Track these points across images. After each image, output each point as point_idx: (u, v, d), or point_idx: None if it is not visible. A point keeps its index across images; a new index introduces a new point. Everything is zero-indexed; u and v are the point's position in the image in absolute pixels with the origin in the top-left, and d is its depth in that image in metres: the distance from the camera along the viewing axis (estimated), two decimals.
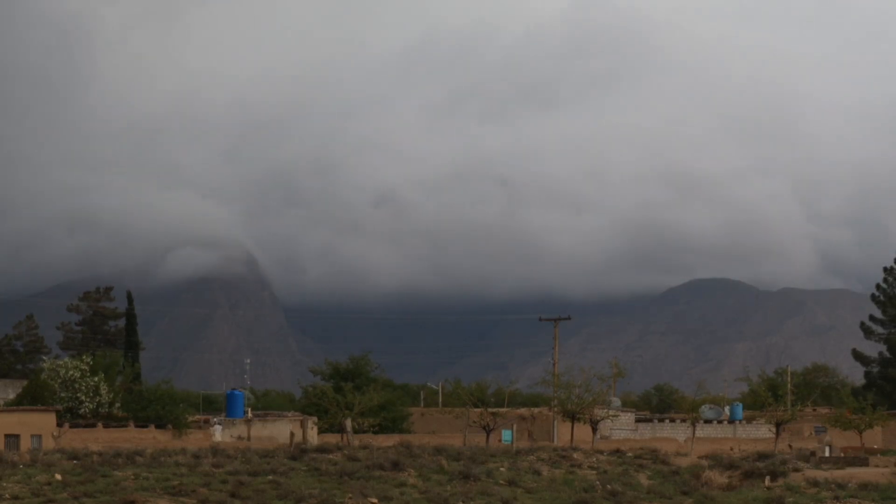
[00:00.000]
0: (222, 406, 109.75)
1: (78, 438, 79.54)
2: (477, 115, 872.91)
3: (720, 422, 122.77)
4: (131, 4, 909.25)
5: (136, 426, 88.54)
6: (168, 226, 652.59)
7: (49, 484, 54.47)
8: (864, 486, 62.67)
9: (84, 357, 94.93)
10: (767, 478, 65.25)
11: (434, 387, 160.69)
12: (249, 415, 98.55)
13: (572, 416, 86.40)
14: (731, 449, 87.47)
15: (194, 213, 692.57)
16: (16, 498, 52.03)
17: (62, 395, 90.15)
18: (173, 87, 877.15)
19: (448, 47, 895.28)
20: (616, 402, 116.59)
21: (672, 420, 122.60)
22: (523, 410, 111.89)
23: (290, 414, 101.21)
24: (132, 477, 56.70)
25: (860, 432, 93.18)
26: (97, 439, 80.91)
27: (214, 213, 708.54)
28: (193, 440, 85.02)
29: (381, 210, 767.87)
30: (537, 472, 64.53)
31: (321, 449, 68.62)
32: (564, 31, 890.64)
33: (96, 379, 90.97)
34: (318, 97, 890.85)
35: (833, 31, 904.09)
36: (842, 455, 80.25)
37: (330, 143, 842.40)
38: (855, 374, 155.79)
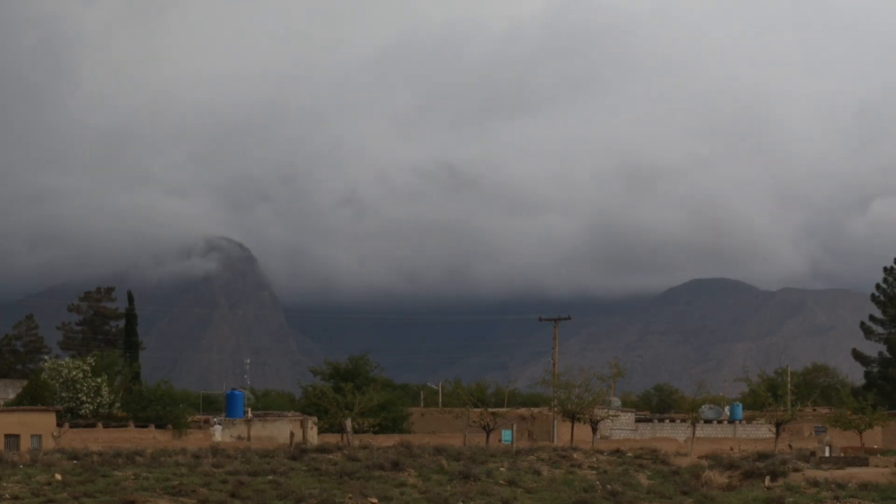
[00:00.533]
0: (222, 406, 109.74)
1: (78, 438, 79.53)
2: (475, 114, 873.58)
3: (720, 422, 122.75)
4: (107, 6, 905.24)
5: (136, 426, 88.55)
6: (168, 227, 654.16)
7: (49, 484, 54.47)
8: (864, 486, 62.66)
9: (87, 358, 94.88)
10: (767, 478, 65.25)
11: (434, 387, 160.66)
12: (249, 415, 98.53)
13: (572, 416, 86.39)
14: (731, 449, 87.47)
15: (193, 214, 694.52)
16: (16, 498, 52.03)
17: (63, 395, 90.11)
18: (159, 90, 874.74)
19: (424, 48, 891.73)
20: (616, 402, 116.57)
21: (672, 420, 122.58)
22: (523, 410, 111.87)
23: (290, 414, 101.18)
24: (132, 477, 56.70)
25: (860, 432, 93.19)
26: (97, 439, 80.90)
27: (213, 213, 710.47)
28: (193, 440, 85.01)
29: (378, 212, 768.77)
30: (537, 472, 64.53)
31: (321, 449, 68.62)
32: (542, 32, 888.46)
33: (98, 380, 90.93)
34: (310, 95, 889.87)
35: (815, 31, 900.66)
36: (842, 455, 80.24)
37: (318, 143, 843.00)
38: (855, 374, 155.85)
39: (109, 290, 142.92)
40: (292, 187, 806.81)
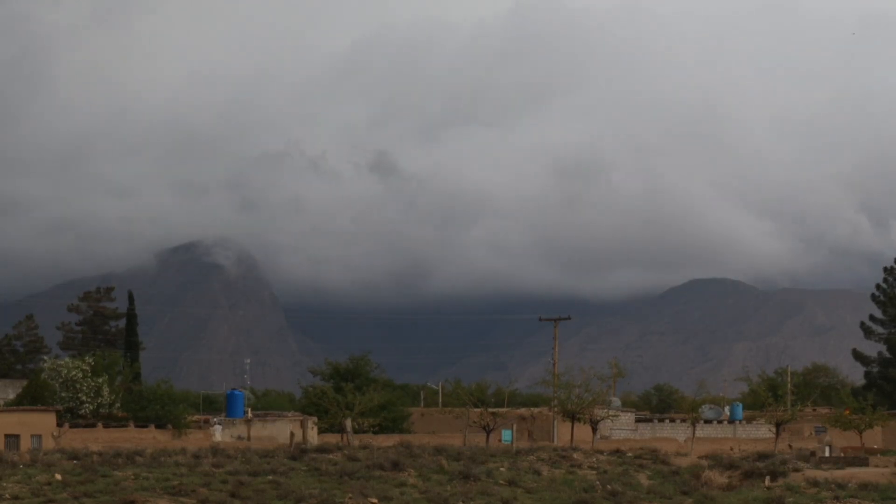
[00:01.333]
0: (222, 406, 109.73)
1: (78, 438, 79.57)
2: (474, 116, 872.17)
3: (720, 422, 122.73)
4: (69, 10, 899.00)
5: (136, 426, 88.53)
6: (168, 226, 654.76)
7: (49, 484, 54.51)
8: (864, 486, 62.71)
9: (86, 358, 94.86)
10: (767, 478, 65.28)
11: (434, 387, 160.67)
12: (249, 415, 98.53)
13: (572, 416, 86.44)
14: (731, 449, 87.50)
15: (191, 214, 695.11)
16: (16, 498, 52.06)
17: (63, 395, 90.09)
18: (132, 93, 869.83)
19: (383, 54, 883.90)
20: (616, 402, 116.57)
21: (672, 420, 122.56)
22: (523, 410, 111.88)
23: (290, 414, 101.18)
24: (132, 477, 56.74)
25: (860, 432, 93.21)
26: (97, 439, 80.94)
27: (213, 213, 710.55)
28: (193, 440, 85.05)
29: (377, 213, 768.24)
30: (537, 472, 64.56)
31: (321, 449, 68.68)
32: (505, 37, 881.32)
33: (99, 380, 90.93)
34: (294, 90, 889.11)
35: (788, 36, 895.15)
36: (842, 455, 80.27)
37: (307, 141, 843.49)
38: (855, 374, 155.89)
39: (109, 289, 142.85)
40: (288, 187, 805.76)
